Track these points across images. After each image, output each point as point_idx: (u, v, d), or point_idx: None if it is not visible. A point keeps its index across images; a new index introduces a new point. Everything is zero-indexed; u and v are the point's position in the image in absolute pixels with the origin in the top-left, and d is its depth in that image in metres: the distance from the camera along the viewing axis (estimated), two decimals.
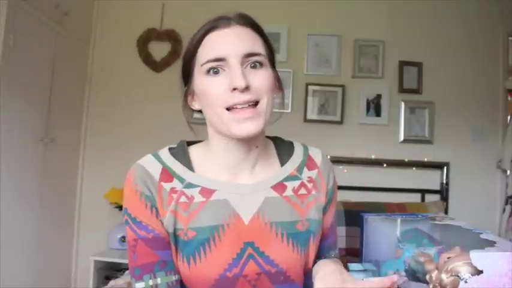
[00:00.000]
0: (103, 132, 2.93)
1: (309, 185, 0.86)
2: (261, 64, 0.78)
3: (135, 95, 2.93)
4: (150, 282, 0.77)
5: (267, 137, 0.90)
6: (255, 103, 0.76)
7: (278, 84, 0.85)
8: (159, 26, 2.94)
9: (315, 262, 0.86)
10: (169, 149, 0.86)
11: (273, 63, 0.84)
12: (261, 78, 0.77)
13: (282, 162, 0.88)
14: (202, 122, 0.86)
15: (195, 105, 0.84)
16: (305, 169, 0.88)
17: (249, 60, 0.77)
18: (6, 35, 2.06)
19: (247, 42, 0.78)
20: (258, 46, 0.80)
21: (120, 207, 2.72)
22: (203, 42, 0.79)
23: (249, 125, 0.75)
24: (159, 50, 2.93)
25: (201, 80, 0.79)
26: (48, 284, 2.51)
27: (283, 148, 0.90)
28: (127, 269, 2.18)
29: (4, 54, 2.06)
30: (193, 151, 0.86)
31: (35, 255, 2.41)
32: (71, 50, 2.74)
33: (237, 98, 0.75)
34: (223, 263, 0.78)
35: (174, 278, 0.79)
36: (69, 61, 2.71)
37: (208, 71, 0.77)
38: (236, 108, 0.75)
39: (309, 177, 0.87)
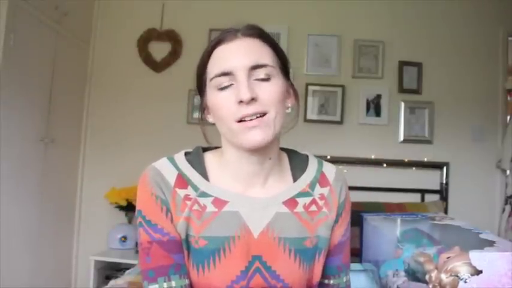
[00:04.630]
0: (103, 132, 2.93)
1: (320, 202, 0.85)
2: (269, 75, 0.77)
3: (135, 95, 2.93)
4: (165, 285, 0.77)
5: (282, 149, 0.89)
6: (263, 115, 0.76)
7: (294, 93, 0.84)
8: (159, 26, 2.94)
9: (321, 284, 0.86)
10: (185, 154, 0.86)
11: (286, 72, 0.83)
12: (269, 90, 0.77)
13: (295, 177, 0.87)
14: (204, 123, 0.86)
15: (210, 119, 0.84)
16: (317, 186, 0.87)
17: (256, 71, 0.77)
18: (6, 35, 2.07)
19: (254, 54, 0.77)
20: (266, 57, 0.78)
21: (120, 207, 2.72)
22: (211, 57, 0.80)
23: (256, 133, 0.75)
24: (159, 50, 2.93)
25: (211, 95, 0.79)
26: (48, 284, 2.51)
27: (297, 162, 0.89)
28: (127, 268, 2.19)
29: (4, 54, 2.06)
30: (209, 159, 0.86)
31: (35, 255, 2.41)
32: (71, 50, 2.74)
33: (244, 111, 0.75)
34: (232, 275, 0.78)
35: (187, 281, 0.79)
36: (69, 61, 2.71)
37: (217, 86, 0.77)
38: (245, 120, 0.75)
39: (320, 194, 0.86)
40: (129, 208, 2.71)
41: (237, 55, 0.77)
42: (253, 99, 0.74)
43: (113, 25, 2.99)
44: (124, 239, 2.70)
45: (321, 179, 0.87)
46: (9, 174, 2.14)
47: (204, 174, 0.83)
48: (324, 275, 0.87)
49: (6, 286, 2.11)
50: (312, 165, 0.89)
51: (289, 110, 0.83)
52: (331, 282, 0.88)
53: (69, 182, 2.82)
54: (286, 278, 0.80)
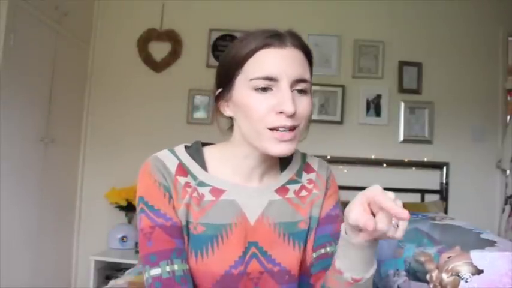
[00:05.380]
0: (103, 133, 2.93)
1: (309, 186, 0.90)
2: (306, 90, 0.79)
3: (135, 95, 2.92)
4: (167, 268, 0.78)
5: None
6: (294, 127, 0.78)
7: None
8: (159, 26, 2.94)
9: (318, 257, 0.86)
10: (185, 147, 0.88)
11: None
12: (305, 106, 0.78)
13: (282, 169, 0.91)
14: (204, 123, 0.87)
15: (227, 111, 0.84)
16: (304, 173, 0.92)
17: (298, 85, 0.78)
18: (6, 35, 2.06)
19: (300, 67, 0.78)
20: (307, 72, 0.80)
21: (120, 207, 2.72)
22: (255, 56, 0.78)
23: (285, 146, 0.77)
24: (159, 50, 2.92)
25: (245, 93, 0.78)
26: (48, 284, 2.51)
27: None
28: (127, 268, 2.19)
29: (4, 54, 2.06)
30: (208, 152, 0.88)
31: (35, 255, 2.41)
32: (71, 50, 2.73)
33: (282, 122, 0.75)
34: (229, 260, 0.80)
35: (188, 266, 0.81)
36: (69, 61, 2.71)
37: (254, 87, 0.77)
38: (278, 130, 0.76)
39: (308, 179, 0.91)
40: (129, 208, 2.70)
41: (285, 64, 0.77)
42: (294, 114, 0.75)
43: (113, 25, 2.98)
44: (124, 239, 2.70)
45: (305, 168, 0.93)
46: (9, 174, 2.14)
47: (203, 165, 0.86)
48: (318, 245, 0.87)
49: (6, 286, 2.11)
50: (296, 157, 0.94)
51: None
52: (328, 249, 0.87)
53: (69, 181, 2.82)
54: (282, 261, 0.83)
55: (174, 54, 2.91)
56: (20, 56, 2.20)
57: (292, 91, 0.77)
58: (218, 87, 0.84)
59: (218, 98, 0.85)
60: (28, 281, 2.33)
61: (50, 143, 2.49)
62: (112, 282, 1.83)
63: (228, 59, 0.82)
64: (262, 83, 0.76)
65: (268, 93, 0.77)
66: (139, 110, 2.91)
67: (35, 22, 2.31)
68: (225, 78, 0.82)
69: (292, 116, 0.75)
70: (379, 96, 2.87)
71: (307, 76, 0.79)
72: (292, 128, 0.77)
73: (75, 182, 2.88)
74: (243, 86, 0.79)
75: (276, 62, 0.77)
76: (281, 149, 0.77)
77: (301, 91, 0.78)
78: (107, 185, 2.75)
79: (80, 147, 2.92)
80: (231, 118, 0.85)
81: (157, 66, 2.93)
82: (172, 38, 2.92)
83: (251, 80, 0.77)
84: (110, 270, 2.65)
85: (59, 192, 2.68)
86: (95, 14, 2.98)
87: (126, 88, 2.94)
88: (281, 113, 0.75)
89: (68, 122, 2.75)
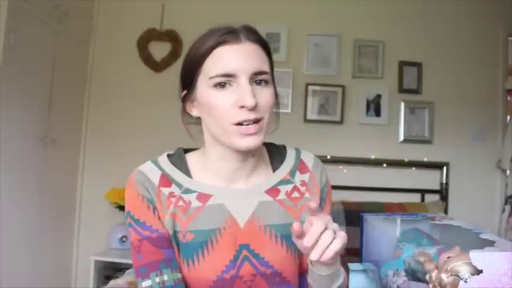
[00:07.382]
0: (103, 133, 2.93)
1: (302, 189, 0.89)
2: (266, 82, 0.81)
3: (135, 95, 2.93)
4: (157, 279, 0.79)
5: None
6: (259, 120, 0.79)
7: (276, 97, 0.86)
8: (159, 26, 2.94)
9: None
10: (168, 155, 0.88)
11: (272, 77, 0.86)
12: (266, 97, 0.80)
13: (274, 168, 0.90)
14: (199, 123, 0.87)
15: (194, 112, 0.86)
16: (297, 173, 0.91)
17: (257, 77, 0.79)
18: (6, 35, 2.07)
19: (257, 60, 0.80)
20: (265, 64, 0.81)
21: (120, 207, 2.72)
22: (212, 55, 0.80)
23: (250, 139, 0.78)
24: (159, 50, 2.93)
25: (206, 92, 0.80)
26: (48, 284, 2.51)
27: (275, 153, 0.93)
28: (127, 268, 2.19)
29: (4, 54, 2.06)
30: (191, 159, 0.89)
31: (35, 255, 2.41)
32: (71, 50, 2.73)
33: (245, 116, 0.77)
34: (221, 265, 0.81)
35: (180, 275, 0.82)
36: (69, 61, 2.71)
37: (213, 84, 0.78)
38: (242, 124, 0.77)
39: (301, 180, 0.90)
40: None
41: (242, 59, 0.78)
42: (255, 106, 0.76)
43: (113, 25, 2.99)
44: (124, 239, 2.70)
45: (300, 166, 0.91)
46: (9, 174, 2.14)
47: (187, 172, 0.86)
48: None
49: (6, 286, 2.11)
50: (290, 154, 0.93)
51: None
52: None
53: (69, 182, 2.82)
54: (275, 263, 0.83)
55: (174, 54, 2.91)
56: (20, 56, 2.20)
57: (252, 84, 0.78)
58: (183, 89, 0.86)
59: (184, 100, 0.86)
60: (28, 281, 2.34)
61: (50, 143, 2.49)
62: (112, 282, 1.84)
63: (188, 59, 0.84)
64: (221, 80, 0.78)
65: (229, 89, 0.78)
66: (139, 110, 2.91)
67: (35, 22, 2.32)
68: (188, 79, 0.84)
69: (254, 108, 0.76)
70: (379, 96, 2.87)
71: (265, 68, 0.80)
72: (256, 121, 0.77)
73: (75, 182, 2.88)
74: (204, 85, 0.80)
75: (232, 58, 0.78)
76: (247, 142, 0.78)
77: (260, 82, 0.79)
78: (107, 185, 2.75)
79: (80, 147, 2.92)
80: (199, 118, 0.86)
81: (157, 66, 2.93)
82: (172, 38, 2.92)
83: (210, 78, 0.79)
84: (110, 270, 2.65)
85: (59, 192, 2.68)
86: (95, 14, 2.98)
87: (126, 88, 2.94)
88: (243, 107, 0.76)
89: (68, 122, 2.75)
